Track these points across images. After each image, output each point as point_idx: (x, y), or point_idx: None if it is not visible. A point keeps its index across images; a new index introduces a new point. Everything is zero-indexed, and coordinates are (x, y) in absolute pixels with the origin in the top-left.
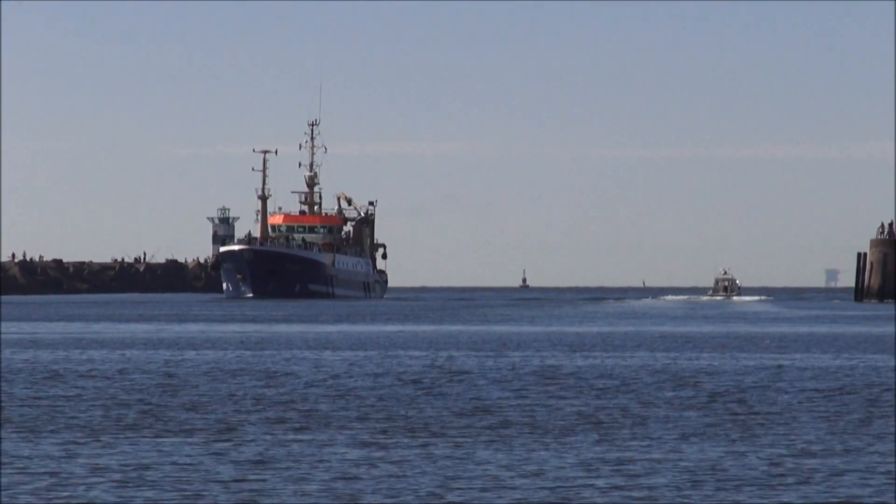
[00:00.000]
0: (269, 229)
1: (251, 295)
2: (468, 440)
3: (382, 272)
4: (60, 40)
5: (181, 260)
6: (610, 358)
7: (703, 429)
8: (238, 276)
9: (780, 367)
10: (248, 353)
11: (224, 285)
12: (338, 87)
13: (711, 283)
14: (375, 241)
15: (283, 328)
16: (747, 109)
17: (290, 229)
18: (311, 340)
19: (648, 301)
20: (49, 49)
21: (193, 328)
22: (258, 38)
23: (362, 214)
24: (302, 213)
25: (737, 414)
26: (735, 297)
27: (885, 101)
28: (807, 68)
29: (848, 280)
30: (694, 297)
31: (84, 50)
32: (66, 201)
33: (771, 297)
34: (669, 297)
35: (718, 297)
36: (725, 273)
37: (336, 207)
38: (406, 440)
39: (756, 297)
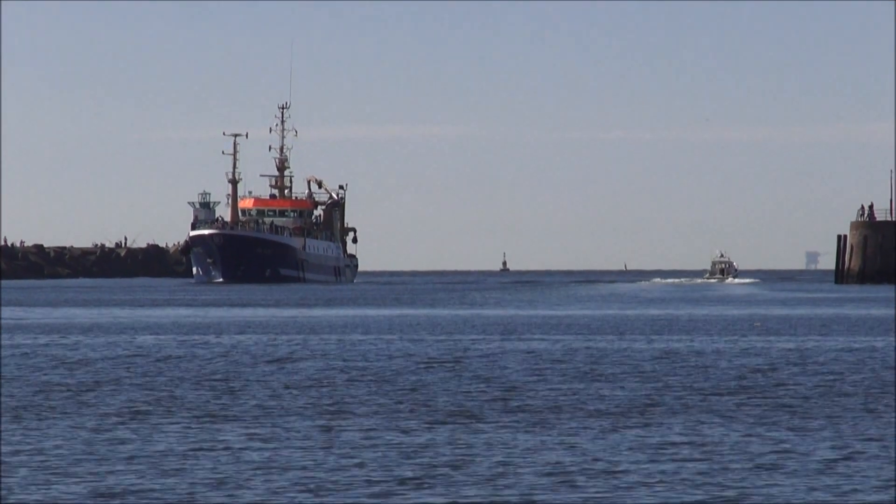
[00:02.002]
0: (240, 213)
1: (221, 279)
2: (495, 424)
3: (353, 256)
4: (36, 30)
5: (162, 244)
6: (607, 342)
7: (714, 413)
8: (208, 260)
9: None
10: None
11: (194, 270)
12: (308, 71)
13: (696, 266)
14: (346, 225)
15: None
16: (727, 92)
17: (261, 213)
18: (301, 325)
19: (644, 284)
20: (25, 38)
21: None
22: (228, 20)
23: (333, 198)
24: (272, 196)
25: (763, 397)
26: (729, 280)
27: (866, 85)
28: (788, 52)
29: (828, 262)
30: (686, 280)
31: (60, 39)
32: (47, 186)
33: (759, 280)
34: (671, 280)
35: (713, 280)
36: (722, 256)
37: (307, 191)
38: (426, 425)
39: (749, 280)
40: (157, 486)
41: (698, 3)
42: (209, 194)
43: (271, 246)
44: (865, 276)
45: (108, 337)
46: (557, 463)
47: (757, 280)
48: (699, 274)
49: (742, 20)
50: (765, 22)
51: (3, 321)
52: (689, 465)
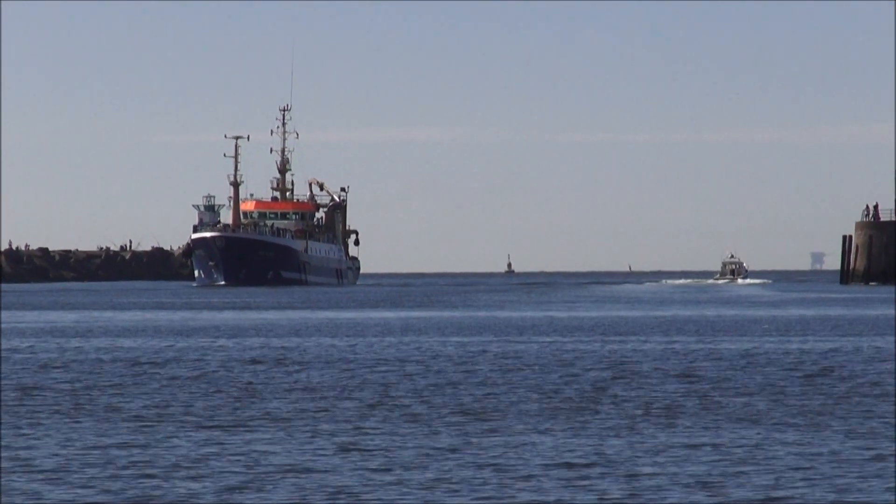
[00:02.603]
0: (242, 216)
1: (223, 282)
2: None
3: (355, 259)
4: (40, 33)
5: (167, 247)
6: (628, 342)
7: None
8: (210, 263)
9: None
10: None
11: (196, 273)
12: (309, 73)
13: (699, 267)
14: (348, 228)
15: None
16: (731, 93)
17: (262, 216)
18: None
19: (652, 285)
20: (29, 42)
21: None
22: (230, 22)
23: (335, 200)
24: (274, 199)
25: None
26: (739, 281)
27: (870, 85)
28: (792, 53)
29: (833, 263)
30: (693, 281)
31: (63, 42)
32: (52, 190)
33: (769, 281)
34: (681, 281)
35: (723, 281)
36: (732, 256)
37: (308, 194)
38: (448, 427)
39: (759, 281)
40: (182, 491)
41: (706, 3)
42: (213, 197)
43: (273, 248)
44: (871, 275)
45: (117, 341)
46: (579, 464)
47: (767, 281)
48: (705, 275)
49: (748, 21)
50: (770, 23)
51: (14, 326)
52: (710, 467)
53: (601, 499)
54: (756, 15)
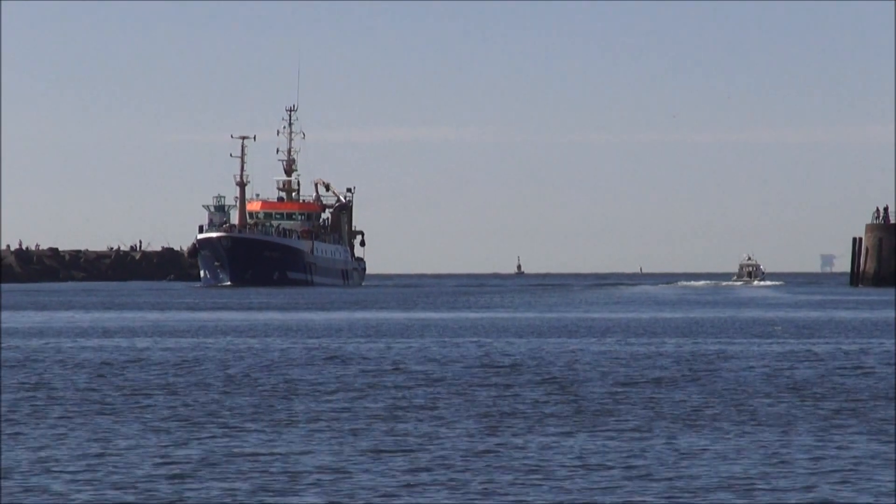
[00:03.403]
0: (247, 216)
1: (229, 283)
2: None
3: (361, 259)
4: (50, 34)
5: (176, 248)
6: (651, 344)
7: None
8: (216, 263)
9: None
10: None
11: (201, 273)
12: (316, 73)
13: (708, 269)
14: (354, 228)
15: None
16: (741, 94)
17: (268, 216)
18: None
19: (670, 287)
20: (39, 42)
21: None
22: (236, 23)
23: (341, 200)
24: (280, 199)
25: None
26: (756, 283)
27: (880, 86)
28: (800, 54)
29: (843, 265)
30: (706, 283)
31: (71, 43)
32: (62, 190)
33: (783, 283)
34: (699, 283)
35: (739, 283)
36: (749, 259)
37: (314, 194)
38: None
39: (777, 283)
40: (210, 492)
41: (715, 3)
42: (223, 197)
43: (279, 249)
44: (880, 278)
45: (131, 341)
46: (605, 466)
47: (780, 283)
48: (715, 276)
49: (752, 21)
50: (776, 23)
51: (26, 325)
52: (734, 469)
53: (627, 501)
54: (762, 15)
